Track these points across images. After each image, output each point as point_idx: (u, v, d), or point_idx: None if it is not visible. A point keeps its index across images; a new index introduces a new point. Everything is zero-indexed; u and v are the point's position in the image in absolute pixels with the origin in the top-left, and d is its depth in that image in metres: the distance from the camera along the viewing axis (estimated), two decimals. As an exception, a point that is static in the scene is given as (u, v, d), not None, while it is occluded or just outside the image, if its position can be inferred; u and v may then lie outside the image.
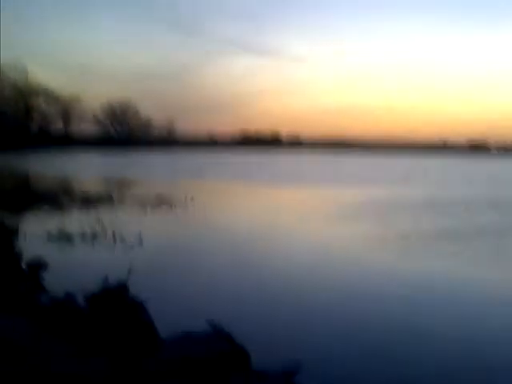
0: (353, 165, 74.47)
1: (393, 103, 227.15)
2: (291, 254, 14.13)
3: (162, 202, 24.21)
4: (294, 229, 18.32)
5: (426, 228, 18.60)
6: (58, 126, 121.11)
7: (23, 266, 11.35)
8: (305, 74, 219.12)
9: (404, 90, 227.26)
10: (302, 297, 9.84)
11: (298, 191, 33.97)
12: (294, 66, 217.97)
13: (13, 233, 15.24)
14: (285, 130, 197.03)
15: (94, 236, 15.32)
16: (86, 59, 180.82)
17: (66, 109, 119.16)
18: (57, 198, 25.04)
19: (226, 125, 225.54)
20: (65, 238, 15.01)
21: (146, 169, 52.77)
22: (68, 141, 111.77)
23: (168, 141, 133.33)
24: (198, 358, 6.04)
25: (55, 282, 10.07)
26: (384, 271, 12.29)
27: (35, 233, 15.55)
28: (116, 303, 7.67)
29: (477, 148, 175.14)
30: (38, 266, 11.20)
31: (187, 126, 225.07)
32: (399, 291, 10.40)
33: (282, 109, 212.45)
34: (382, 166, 67.21)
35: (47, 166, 52.48)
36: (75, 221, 18.23)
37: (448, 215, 22.19)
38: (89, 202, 23.96)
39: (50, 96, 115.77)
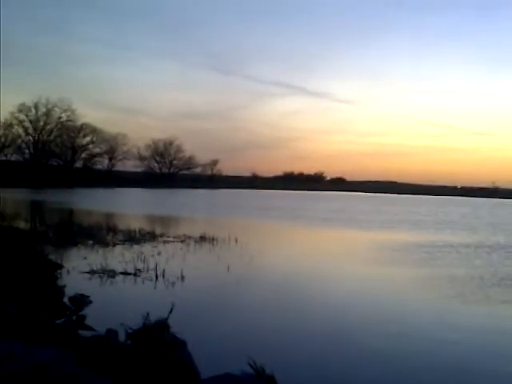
0: (400, 205, 73.56)
1: (445, 144, 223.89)
2: (337, 296, 13.92)
3: (204, 239, 24.25)
4: (340, 271, 18.10)
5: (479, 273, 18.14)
6: (104, 163, 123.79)
7: (66, 300, 11.44)
8: (351, 115, 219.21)
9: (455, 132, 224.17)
10: (352, 340, 9.57)
11: (342, 232, 33.67)
12: (340, 107, 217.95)
13: (57, 267, 15.47)
14: (329, 170, 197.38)
15: (137, 272, 15.37)
16: (131, 98, 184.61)
17: (112, 147, 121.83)
18: (100, 233, 25.35)
19: (270, 164, 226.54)
20: (107, 273, 15.10)
21: (189, 206, 53.13)
22: (113, 178, 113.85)
23: (211, 178, 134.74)
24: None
25: (97, 317, 10.09)
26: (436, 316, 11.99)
27: (78, 268, 15.70)
28: (156, 341, 7.62)
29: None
30: (81, 301, 11.27)
31: (231, 164, 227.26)
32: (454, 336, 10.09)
33: (327, 150, 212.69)
34: (430, 209, 66.15)
35: (92, 203, 53.39)
36: (118, 256, 18.37)
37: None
38: (132, 237, 24.19)
39: (97, 134, 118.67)
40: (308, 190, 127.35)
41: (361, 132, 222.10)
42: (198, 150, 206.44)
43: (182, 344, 6.82)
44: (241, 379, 6.39)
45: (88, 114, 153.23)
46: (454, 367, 8.43)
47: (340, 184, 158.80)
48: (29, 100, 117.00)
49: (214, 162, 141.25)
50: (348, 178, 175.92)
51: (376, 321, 11.24)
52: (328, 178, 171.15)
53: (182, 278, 14.69)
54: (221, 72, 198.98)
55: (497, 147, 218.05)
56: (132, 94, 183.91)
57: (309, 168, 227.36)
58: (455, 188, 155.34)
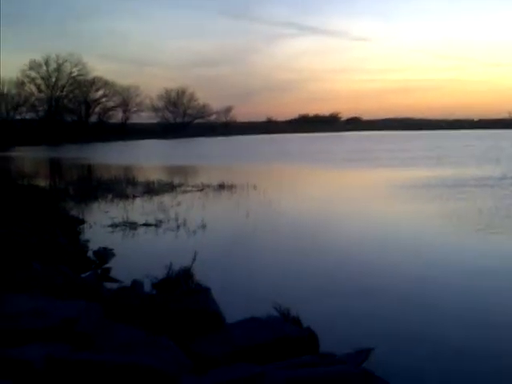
0: (420, 141, 72.80)
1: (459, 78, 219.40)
2: (363, 236, 13.92)
3: (223, 187, 24.30)
4: (366, 210, 18.01)
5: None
6: (118, 116, 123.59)
7: (90, 254, 11.61)
8: (366, 53, 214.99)
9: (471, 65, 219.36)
10: (374, 282, 9.57)
11: (359, 172, 33.51)
12: (354, 45, 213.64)
13: (79, 222, 15.64)
14: (345, 110, 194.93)
15: (158, 223, 15.50)
16: (140, 49, 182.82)
17: (125, 99, 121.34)
18: (120, 186, 25.51)
19: (285, 107, 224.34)
20: (129, 225, 15.24)
21: (205, 155, 53.12)
22: (127, 130, 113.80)
23: (226, 125, 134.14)
24: (265, 342, 6.01)
25: (122, 269, 10.25)
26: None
27: (100, 222, 15.87)
28: (181, 289, 7.74)
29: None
30: (105, 254, 11.43)
31: (245, 110, 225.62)
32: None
33: (341, 90, 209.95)
34: (449, 145, 65.42)
35: (108, 156, 53.59)
36: (138, 208, 18.52)
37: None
38: (151, 189, 24.32)
39: (110, 87, 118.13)
40: (324, 131, 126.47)
41: (376, 70, 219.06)
42: (211, 97, 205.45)
43: (206, 291, 6.90)
44: (266, 322, 6.48)
45: (99, 67, 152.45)
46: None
47: (356, 124, 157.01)
48: (39, 57, 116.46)
49: (228, 109, 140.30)
50: (364, 117, 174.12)
51: (407, 260, 11.27)
52: (344, 119, 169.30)
53: (203, 226, 14.79)
54: (231, 16, 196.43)
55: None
56: (142, 45, 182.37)
57: (324, 109, 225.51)
58: (472, 121, 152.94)
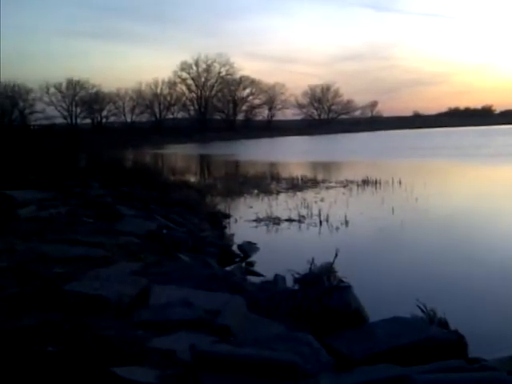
0: None
1: None
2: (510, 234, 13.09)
3: (367, 183, 23.93)
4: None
5: None
6: (264, 114, 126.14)
7: (235, 248, 11.89)
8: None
9: None
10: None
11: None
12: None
13: (225, 217, 16.10)
14: (498, 103, 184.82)
15: (301, 218, 15.56)
16: (285, 46, 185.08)
17: (271, 97, 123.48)
18: (264, 182, 25.96)
19: (433, 101, 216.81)
20: (272, 221, 15.43)
21: (349, 150, 52.63)
22: (273, 128, 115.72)
23: (371, 120, 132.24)
24: (410, 343, 5.78)
25: (265, 263, 10.38)
26: None
27: (245, 217, 16.21)
28: (323, 285, 7.67)
29: None
30: (248, 248, 11.66)
31: (391, 104, 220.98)
32: None
33: (494, 81, 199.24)
34: None
35: (255, 153, 54.76)
36: (282, 204, 18.70)
37: None
38: (295, 185, 24.51)
39: (256, 86, 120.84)
40: (475, 125, 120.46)
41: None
42: (355, 92, 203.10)
43: (348, 288, 6.78)
44: (411, 322, 6.25)
45: (245, 66, 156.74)
46: None
47: (511, 116, 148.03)
48: (188, 57, 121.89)
49: (373, 104, 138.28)
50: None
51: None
52: (497, 112, 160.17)
53: (346, 222, 14.62)
54: (374, 8, 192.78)
55: None
56: (286, 42, 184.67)
57: (475, 102, 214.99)
58: None
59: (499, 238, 13.13)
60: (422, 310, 6.68)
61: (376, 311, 6.68)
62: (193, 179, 27.91)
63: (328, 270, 8.39)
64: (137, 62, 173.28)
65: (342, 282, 8.08)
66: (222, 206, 17.92)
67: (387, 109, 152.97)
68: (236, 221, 15.81)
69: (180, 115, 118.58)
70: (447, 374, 4.60)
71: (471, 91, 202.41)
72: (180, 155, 58.64)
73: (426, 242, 12.63)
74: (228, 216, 16.41)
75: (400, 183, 22.97)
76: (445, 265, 10.39)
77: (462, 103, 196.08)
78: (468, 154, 41.40)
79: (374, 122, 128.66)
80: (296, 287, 8.02)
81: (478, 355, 5.70)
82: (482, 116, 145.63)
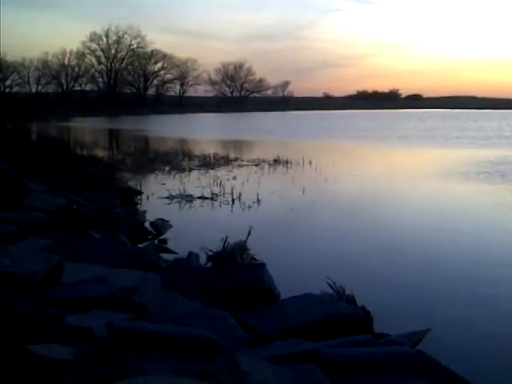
0: (488, 121, 70.74)
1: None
2: (416, 214, 13.70)
3: (278, 162, 24.26)
4: (424, 189, 17.68)
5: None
6: (176, 89, 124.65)
7: (147, 225, 11.81)
8: (425, 27, 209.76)
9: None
10: (433, 264, 9.38)
11: (416, 150, 32.91)
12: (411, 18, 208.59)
13: (136, 193, 15.91)
14: (405, 87, 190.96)
15: (213, 196, 15.62)
16: (200, 22, 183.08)
17: (183, 72, 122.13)
18: (176, 159, 25.80)
19: (343, 83, 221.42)
20: (185, 198, 15.41)
21: (261, 129, 53.06)
22: (185, 104, 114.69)
23: (283, 100, 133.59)
24: (319, 319, 6.00)
25: (178, 241, 10.39)
26: None
27: (157, 194, 16.09)
28: (236, 263, 7.78)
29: None
30: (161, 225, 11.60)
31: (302, 85, 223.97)
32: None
33: (401, 66, 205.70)
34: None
35: (166, 129, 54.19)
36: (194, 181, 18.69)
37: None
38: (207, 162, 24.53)
39: (168, 60, 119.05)
40: (383, 108, 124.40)
41: (437, 45, 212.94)
42: (268, 72, 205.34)
43: (261, 265, 6.91)
44: (321, 299, 6.47)
45: (158, 39, 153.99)
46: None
47: (416, 101, 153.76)
48: (99, 28, 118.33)
49: (285, 84, 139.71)
50: (424, 94, 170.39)
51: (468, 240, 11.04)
52: (403, 96, 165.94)
53: (258, 201, 14.82)
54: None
55: None
56: (201, 18, 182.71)
57: (383, 86, 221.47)
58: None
59: (403, 216, 13.73)
60: (332, 287, 6.92)
61: (288, 288, 6.86)
62: (102, 154, 27.33)
63: (241, 247, 8.51)
64: (44, 30, 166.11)
65: (255, 259, 8.24)
66: (133, 183, 17.70)
67: (299, 89, 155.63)
68: (148, 198, 15.67)
69: (88, 87, 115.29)
70: (355, 348, 4.82)
71: (380, 75, 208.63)
72: (88, 129, 57.16)
73: (335, 221, 13.01)
74: (140, 193, 16.24)
75: (310, 163, 23.46)
76: (353, 243, 10.79)
77: (371, 86, 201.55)
78: (373, 136, 42.77)
79: (286, 102, 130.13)
80: (209, 265, 8.11)
81: (384, 330, 6.00)
82: (390, 100, 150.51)
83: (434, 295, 7.75)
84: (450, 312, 7.09)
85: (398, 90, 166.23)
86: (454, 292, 7.89)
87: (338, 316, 6.08)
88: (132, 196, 15.49)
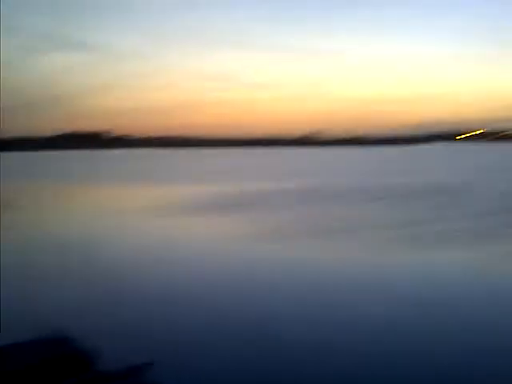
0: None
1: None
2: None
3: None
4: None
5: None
6: None
7: None
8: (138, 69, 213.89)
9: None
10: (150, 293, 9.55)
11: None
12: (125, 61, 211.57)
13: None
14: (113, 127, 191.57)
15: None
16: None
17: None
18: None
19: (43, 123, 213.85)
20: None
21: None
22: None
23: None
24: (33, 364, 5.79)
25: None
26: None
27: None
28: None
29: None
30: None
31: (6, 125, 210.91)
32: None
33: (109, 106, 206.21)
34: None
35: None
36: None
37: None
38: None
39: None
40: (88, 148, 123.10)
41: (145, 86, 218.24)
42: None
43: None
44: (36, 344, 6.26)
45: None
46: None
47: (122, 141, 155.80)
48: None
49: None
50: (133, 134, 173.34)
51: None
52: (110, 136, 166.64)
53: None
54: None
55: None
56: None
57: (89, 126, 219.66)
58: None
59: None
60: (50, 331, 6.67)
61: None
62: None
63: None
64: None
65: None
66: None
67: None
68: None
69: None
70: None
71: (86, 116, 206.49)
72: None
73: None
74: None
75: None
76: (70, 282, 10.50)
77: (75, 127, 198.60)
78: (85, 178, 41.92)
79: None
80: None
81: (107, 367, 5.96)
82: (98, 140, 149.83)
83: (158, 327, 7.93)
84: (179, 341, 7.31)
85: (109, 130, 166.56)
86: (180, 320, 8.13)
87: (52, 359, 5.96)
88: None
